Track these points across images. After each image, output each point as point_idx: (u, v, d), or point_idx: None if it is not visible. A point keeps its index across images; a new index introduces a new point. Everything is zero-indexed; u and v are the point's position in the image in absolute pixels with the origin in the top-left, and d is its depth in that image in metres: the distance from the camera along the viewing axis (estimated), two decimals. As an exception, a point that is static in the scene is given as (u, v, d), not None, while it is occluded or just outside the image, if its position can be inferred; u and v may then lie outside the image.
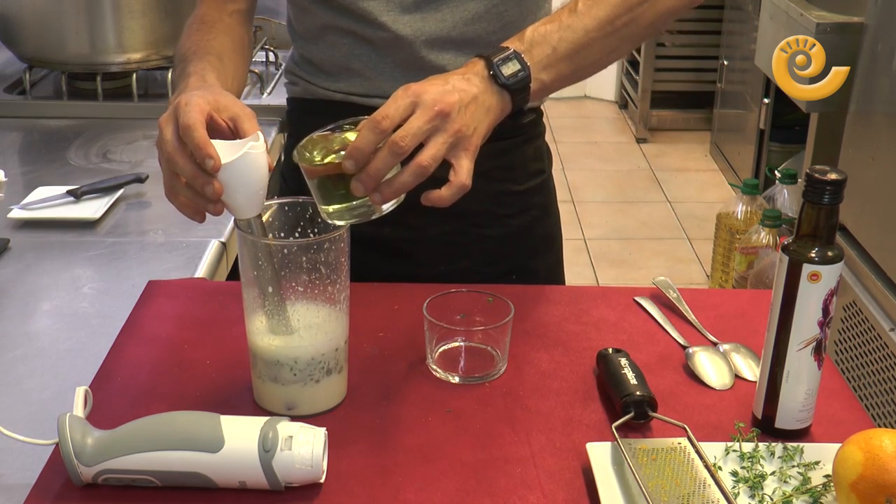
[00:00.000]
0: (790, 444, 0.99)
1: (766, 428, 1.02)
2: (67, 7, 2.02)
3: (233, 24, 1.27)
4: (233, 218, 1.00)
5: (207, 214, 1.01)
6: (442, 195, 0.99)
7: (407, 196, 1.00)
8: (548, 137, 1.42)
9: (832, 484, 0.92)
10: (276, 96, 2.15)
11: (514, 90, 1.04)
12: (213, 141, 0.98)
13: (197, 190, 0.97)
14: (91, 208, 1.57)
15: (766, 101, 3.57)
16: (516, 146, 1.35)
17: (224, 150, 0.97)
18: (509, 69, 1.04)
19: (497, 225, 1.36)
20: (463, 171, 0.98)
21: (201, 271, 1.42)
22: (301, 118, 1.37)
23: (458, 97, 0.99)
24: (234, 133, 1.02)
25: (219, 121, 1.01)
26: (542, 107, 1.40)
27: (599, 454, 0.96)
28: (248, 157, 0.97)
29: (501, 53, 1.05)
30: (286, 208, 1.04)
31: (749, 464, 0.97)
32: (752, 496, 0.94)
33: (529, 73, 1.05)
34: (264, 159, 0.98)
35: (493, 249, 1.37)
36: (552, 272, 1.45)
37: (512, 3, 1.26)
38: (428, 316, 1.09)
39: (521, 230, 1.38)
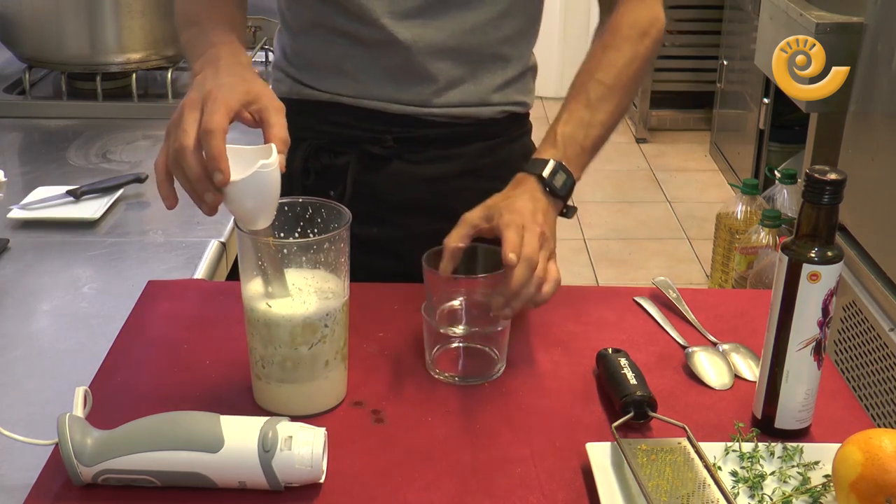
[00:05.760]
0: (790, 444, 0.99)
1: (766, 428, 1.02)
2: (67, 7, 2.02)
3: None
4: (232, 217, 1.00)
5: (202, 212, 0.99)
6: (546, 291, 1.07)
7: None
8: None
9: (832, 484, 0.92)
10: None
11: (564, 196, 1.15)
12: (227, 147, 0.95)
13: (196, 192, 0.96)
14: (91, 208, 1.57)
15: (765, 101, 3.56)
16: (504, 144, 1.36)
17: (237, 159, 0.95)
18: (559, 181, 1.14)
19: None
20: (555, 269, 1.08)
21: (201, 271, 1.42)
22: (288, 118, 1.36)
23: (542, 218, 1.10)
24: (258, 124, 1.00)
25: (245, 115, 1.00)
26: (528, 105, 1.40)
27: (599, 454, 0.96)
28: (257, 176, 0.94)
29: (545, 167, 1.14)
30: (286, 208, 1.03)
31: (749, 464, 0.97)
32: (752, 496, 0.94)
33: (574, 179, 1.16)
34: (275, 177, 0.96)
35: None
36: None
37: (509, 18, 1.27)
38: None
39: None
